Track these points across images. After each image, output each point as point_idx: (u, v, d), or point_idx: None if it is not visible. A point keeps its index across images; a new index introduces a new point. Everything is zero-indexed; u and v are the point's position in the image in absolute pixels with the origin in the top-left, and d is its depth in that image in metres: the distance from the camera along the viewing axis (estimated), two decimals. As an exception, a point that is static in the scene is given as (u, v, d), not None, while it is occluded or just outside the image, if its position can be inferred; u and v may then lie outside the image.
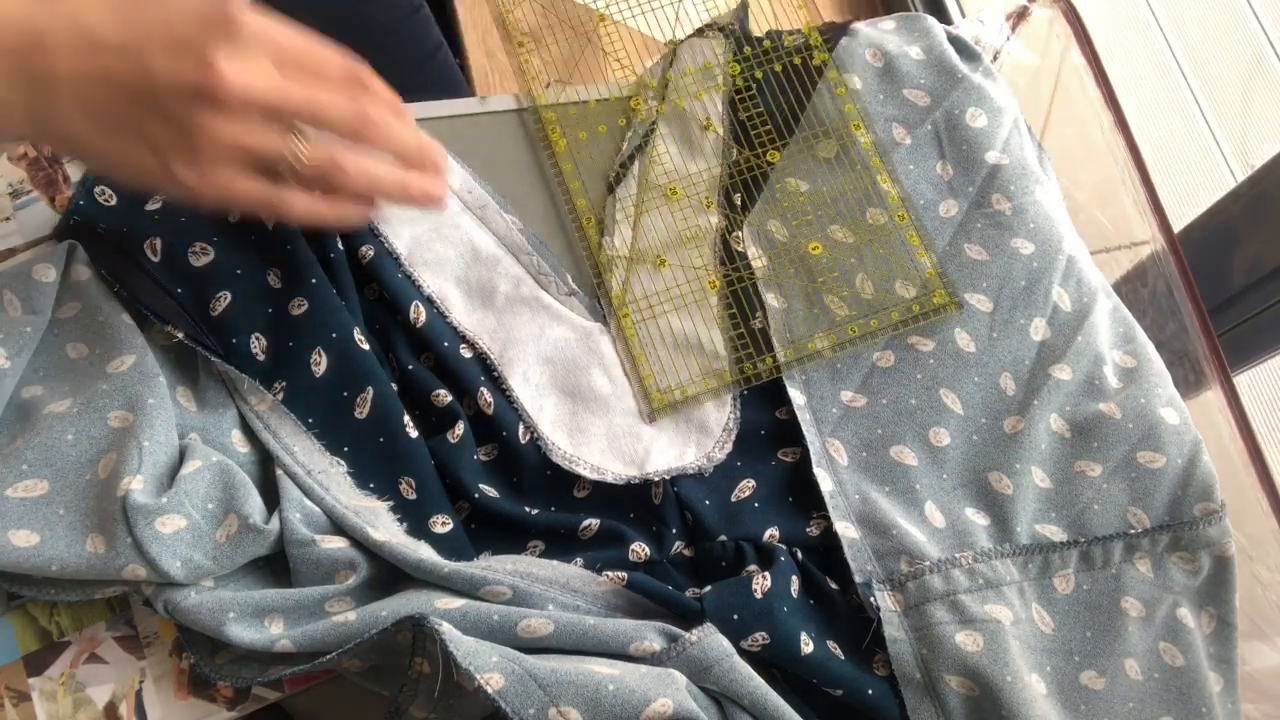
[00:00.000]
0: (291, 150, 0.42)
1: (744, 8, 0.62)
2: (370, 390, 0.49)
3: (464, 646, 0.39)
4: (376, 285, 0.52)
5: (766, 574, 0.47)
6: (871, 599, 0.48)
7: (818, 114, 0.58)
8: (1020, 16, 0.67)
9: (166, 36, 0.40)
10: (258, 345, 0.49)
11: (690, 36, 0.60)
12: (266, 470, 0.48)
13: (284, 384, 0.49)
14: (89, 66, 0.40)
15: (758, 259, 0.55)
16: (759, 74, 0.59)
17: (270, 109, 0.41)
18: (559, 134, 0.57)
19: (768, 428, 0.52)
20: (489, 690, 0.38)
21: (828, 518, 0.50)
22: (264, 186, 0.42)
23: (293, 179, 0.43)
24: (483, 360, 0.52)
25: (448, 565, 0.44)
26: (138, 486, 0.42)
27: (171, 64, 0.40)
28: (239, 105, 0.40)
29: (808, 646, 0.46)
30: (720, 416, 0.52)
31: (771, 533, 0.50)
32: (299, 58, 0.42)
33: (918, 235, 0.56)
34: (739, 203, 0.57)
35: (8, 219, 0.53)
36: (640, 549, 0.49)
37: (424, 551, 0.46)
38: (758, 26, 0.62)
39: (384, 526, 0.46)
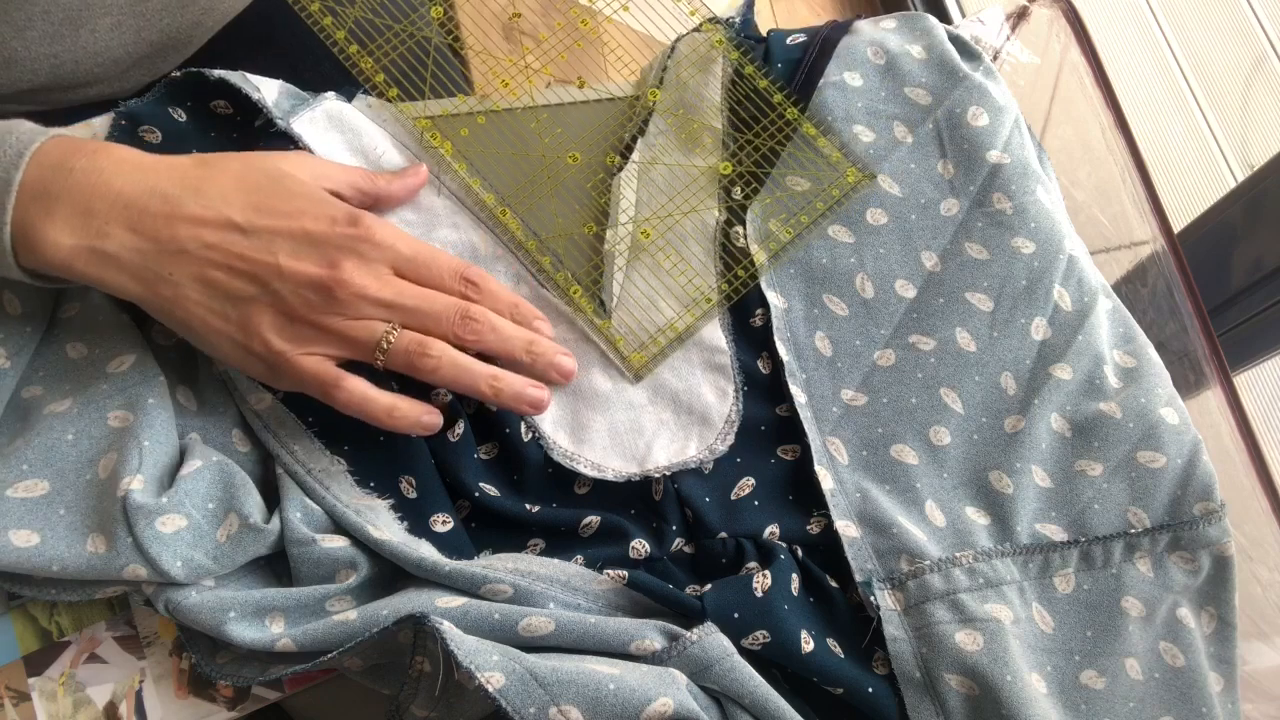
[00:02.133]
0: (384, 337, 0.45)
1: (749, 6, 0.62)
2: (370, 389, 0.49)
3: (465, 645, 0.39)
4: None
5: (767, 572, 0.47)
6: (872, 598, 0.48)
7: (818, 111, 0.58)
8: (1020, 16, 0.67)
9: (300, 232, 0.45)
10: (258, 345, 0.49)
11: (691, 31, 0.60)
12: (267, 469, 0.48)
13: (284, 383, 0.49)
14: (216, 240, 0.44)
15: (760, 254, 0.55)
16: (751, 70, 0.59)
17: (381, 306, 0.45)
18: (440, 139, 0.57)
19: (768, 424, 0.52)
20: (490, 689, 0.38)
21: (828, 516, 0.50)
22: (329, 366, 0.45)
23: (382, 366, 0.46)
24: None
25: (448, 564, 0.44)
26: (138, 486, 0.42)
27: (298, 258, 0.44)
28: (354, 302, 0.44)
29: (808, 645, 0.46)
30: (722, 409, 0.52)
31: (772, 530, 0.50)
32: (416, 265, 0.47)
33: (813, 126, 0.57)
34: (739, 195, 0.57)
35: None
36: (641, 546, 0.49)
37: (424, 550, 0.46)
38: (759, 27, 0.62)
39: (384, 525, 0.46)
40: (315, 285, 0.44)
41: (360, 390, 0.46)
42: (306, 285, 0.44)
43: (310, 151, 0.53)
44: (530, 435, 0.50)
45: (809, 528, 0.50)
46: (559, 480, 0.51)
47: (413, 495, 0.48)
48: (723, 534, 0.50)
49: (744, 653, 0.45)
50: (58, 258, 0.43)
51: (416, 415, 0.47)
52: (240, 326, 0.44)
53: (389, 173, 0.53)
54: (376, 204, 0.52)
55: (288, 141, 0.53)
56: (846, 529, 0.49)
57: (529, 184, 0.56)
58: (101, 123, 0.52)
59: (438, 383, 0.47)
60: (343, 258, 0.44)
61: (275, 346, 0.44)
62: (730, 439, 0.51)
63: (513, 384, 0.48)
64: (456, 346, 0.47)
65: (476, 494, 0.49)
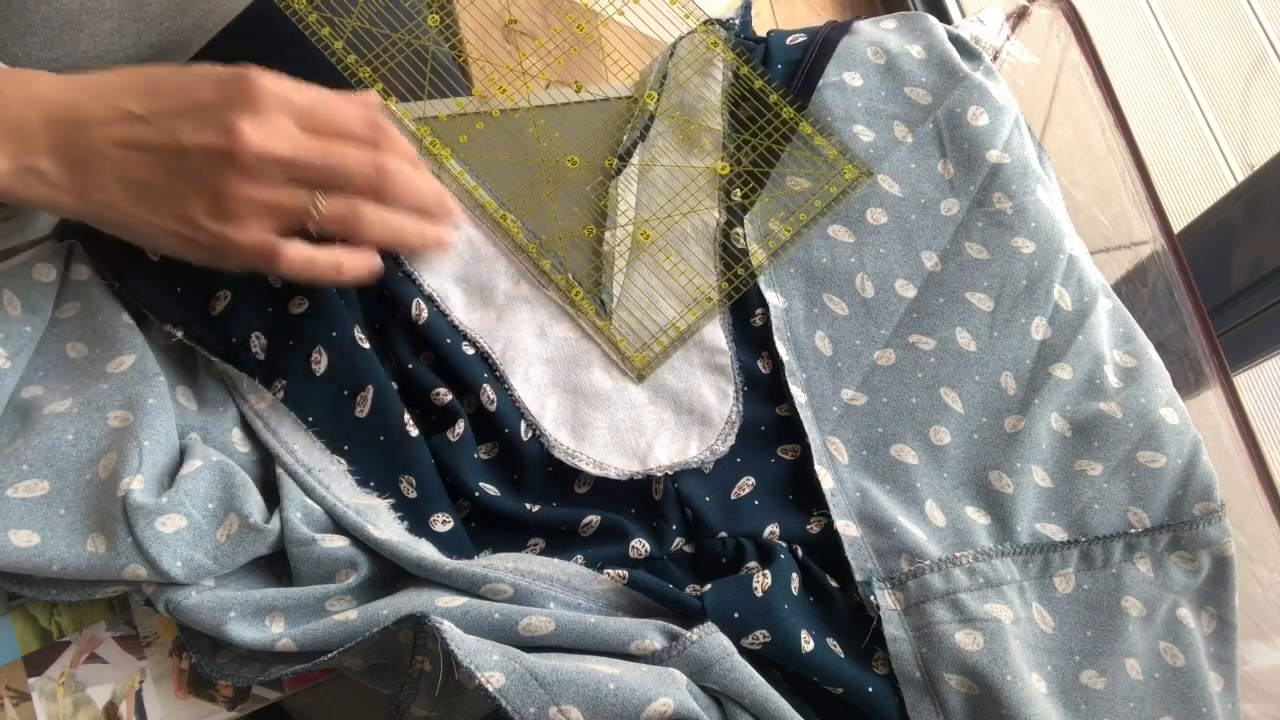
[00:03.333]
0: (312, 202, 0.45)
1: (746, 8, 0.62)
2: (370, 389, 0.49)
3: (465, 645, 0.39)
4: (375, 284, 0.52)
5: (767, 572, 0.47)
6: (872, 597, 0.48)
7: (818, 111, 0.58)
8: (1020, 16, 0.67)
9: (192, 105, 0.44)
10: (258, 344, 0.49)
11: (692, 32, 0.60)
12: (267, 469, 0.48)
13: (284, 383, 0.49)
14: (124, 136, 0.44)
15: (757, 254, 0.56)
16: (746, 70, 0.59)
17: (290, 166, 0.44)
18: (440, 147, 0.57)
19: (768, 424, 0.52)
20: (490, 688, 0.38)
21: (827, 515, 0.50)
22: (266, 236, 0.45)
23: (316, 230, 0.46)
24: (484, 358, 0.52)
25: (449, 563, 0.44)
26: (138, 486, 0.42)
27: (197, 131, 0.43)
28: (261, 165, 0.44)
29: (808, 645, 0.46)
30: (723, 409, 0.52)
31: (772, 529, 0.50)
32: (317, 115, 0.45)
33: (810, 125, 0.57)
34: (738, 196, 0.57)
35: (8, 219, 0.53)
36: (641, 545, 0.49)
37: (425, 549, 0.46)
38: (759, 28, 0.63)
39: (385, 524, 0.46)
40: (219, 154, 0.43)
41: (303, 253, 0.46)
42: (212, 156, 0.43)
43: None
44: (531, 434, 0.50)
45: (809, 527, 0.50)
46: (559, 479, 0.51)
47: (413, 495, 0.48)
48: (723, 533, 0.50)
49: (744, 652, 0.45)
50: None
51: (364, 263, 0.47)
52: (174, 217, 0.44)
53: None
54: None
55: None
56: (847, 528, 0.49)
57: (528, 188, 0.56)
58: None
59: (373, 241, 0.47)
60: (238, 119, 0.43)
61: (211, 229, 0.44)
62: (731, 439, 0.51)
63: (434, 231, 0.49)
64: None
65: (476, 493, 0.49)
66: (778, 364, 0.53)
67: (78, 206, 0.45)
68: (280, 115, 0.44)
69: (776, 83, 0.59)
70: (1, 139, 0.43)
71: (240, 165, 0.43)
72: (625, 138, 0.58)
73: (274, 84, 0.45)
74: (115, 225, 0.46)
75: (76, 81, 0.45)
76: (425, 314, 0.51)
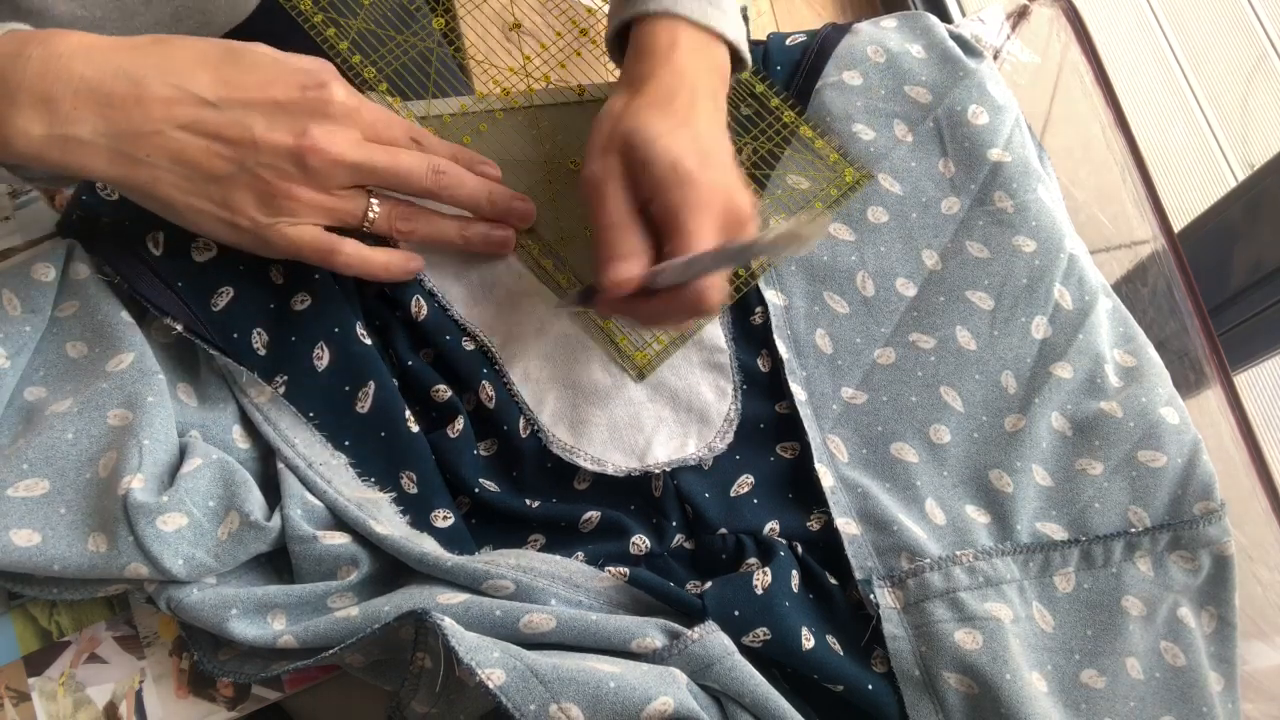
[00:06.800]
0: (369, 205, 0.48)
1: (744, 15, 0.62)
2: (371, 385, 0.49)
3: (466, 642, 0.39)
4: (376, 281, 0.52)
5: (767, 570, 0.47)
6: (871, 595, 0.48)
7: (818, 112, 0.58)
8: (1020, 16, 0.67)
9: (268, 103, 0.45)
10: (259, 340, 0.49)
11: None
12: (267, 466, 0.48)
13: (285, 378, 0.49)
14: (188, 119, 0.44)
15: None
16: (747, 75, 0.59)
17: (356, 171, 0.46)
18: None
19: (767, 421, 0.52)
20: (490, 686, 0.38)
21: (827, 513, 0.50)
22: (324, 234, 0.47)
23: (368, 231, 0.49)
24: (484, 353, 0.52)
25: (451, 559, 0.44)
26: (138, 485, 0.42)
27: (270, 129, 0.44)
28: (329, 170, 0.45)
29: (808, 642, 0.46)
30: (721, 407, 0.52)
31: (771, 526, 0.50)
32: (379, 126, 0.48)
33: (811, 128, 0.58)
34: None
35: (8, 219, 0.53)
36: (641, 541, 0.49)
37: (427, 545, 0.46)
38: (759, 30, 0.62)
39: (386, 519, 0.46)
40: (289, 155, 0.44)
41: (359, 252, 0.48)
42: (281, 156, 0.44)
43: None
44: (529, 430, 0.50)
45: (809, 524, 0.50)
46: (558, 476, 0.51)
47: (414, 490, 0.48)
48: (723, 530, 0.50)
49: (744, 650, 0.45)
50: (30, 149, 0.42)
51: (405, 264, 0.51)
52: (223, 204, 0.45)
53: None
54: None
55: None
56: (847, 526, 0.49)
57: (530, 189, 0.56)
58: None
59: (416, 241, 0.51)
60: (313, 124, 0.45)
61: (261, 220, 0.45)
62: (729, 437, 0.51)
63: (478, 228, 0.52)
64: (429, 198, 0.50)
65: (476, 490, 0.49)
66: (777, 362, 0.53)
67: (116, 176, 0.44)
68: (350, 127, 0.46)
69: (777, 86, 0.59)
70: (34, 103, 0.42)
71: (308, 168, 0.45)
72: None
73: (347, 96, 0.46)
74: (152, 199, 0.45)
75: (128, 49, 0.44)
76: (425, 310, 0.51)
